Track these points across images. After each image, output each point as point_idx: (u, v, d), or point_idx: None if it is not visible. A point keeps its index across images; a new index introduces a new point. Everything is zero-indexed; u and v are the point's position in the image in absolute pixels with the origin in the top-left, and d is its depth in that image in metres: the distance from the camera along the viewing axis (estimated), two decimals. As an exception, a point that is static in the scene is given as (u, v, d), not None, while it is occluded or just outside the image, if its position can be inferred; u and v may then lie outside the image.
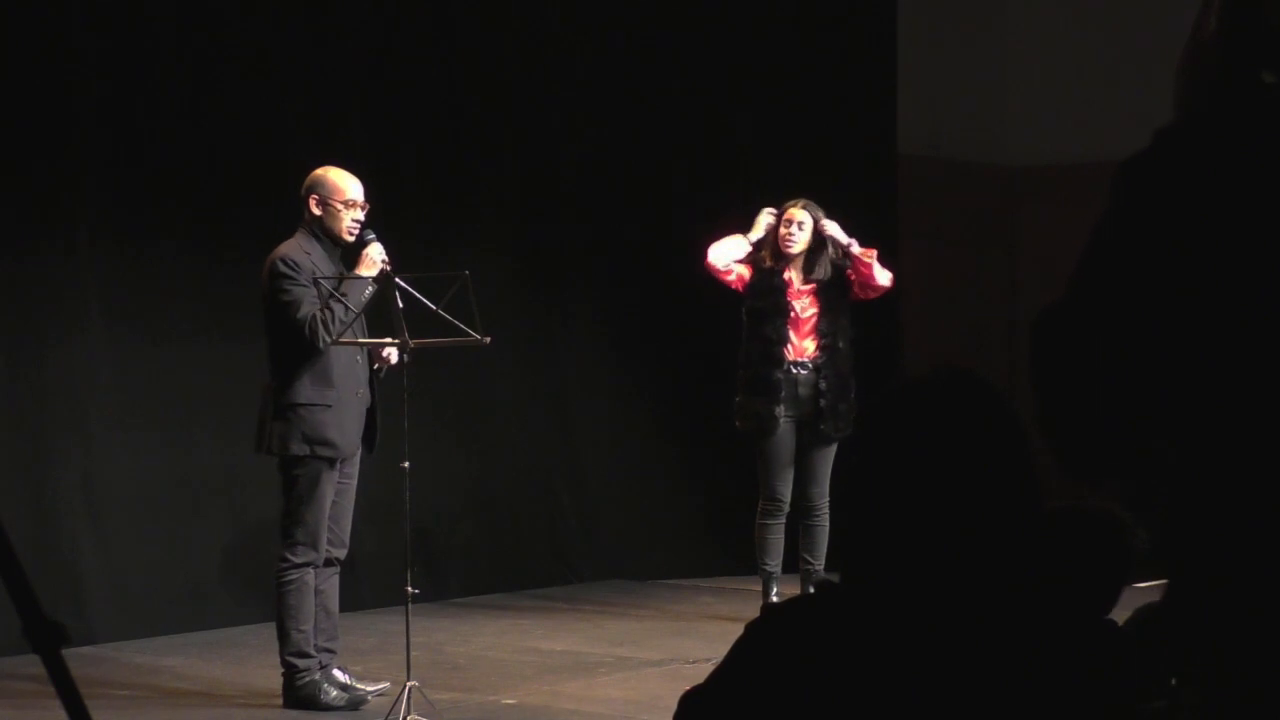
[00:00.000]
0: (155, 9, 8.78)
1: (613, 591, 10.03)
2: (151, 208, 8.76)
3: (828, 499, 8.49)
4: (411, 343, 6.77)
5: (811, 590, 2.32)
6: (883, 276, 8.40)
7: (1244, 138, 2.27)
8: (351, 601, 9.40)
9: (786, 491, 8.49)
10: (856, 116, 11.07)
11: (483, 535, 10.02)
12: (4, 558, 2.35)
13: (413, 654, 6.81)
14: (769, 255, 8.45)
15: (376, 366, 7.11)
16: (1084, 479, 2.33)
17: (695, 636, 8.54)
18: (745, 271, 8.49)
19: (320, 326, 6.81)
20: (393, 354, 6.99)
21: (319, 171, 7.10)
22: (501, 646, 8.35)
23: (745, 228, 8.54)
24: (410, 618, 6.75)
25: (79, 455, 8.48)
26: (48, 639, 2.34)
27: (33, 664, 2.41)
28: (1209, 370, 2.25)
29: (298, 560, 6.94)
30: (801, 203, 8.47)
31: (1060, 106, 12.00)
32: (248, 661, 7.98)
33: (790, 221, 8.41)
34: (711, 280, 8.63)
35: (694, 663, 7.70)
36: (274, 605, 7.03)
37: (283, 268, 6.88)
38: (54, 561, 8.17)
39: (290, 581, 6.96)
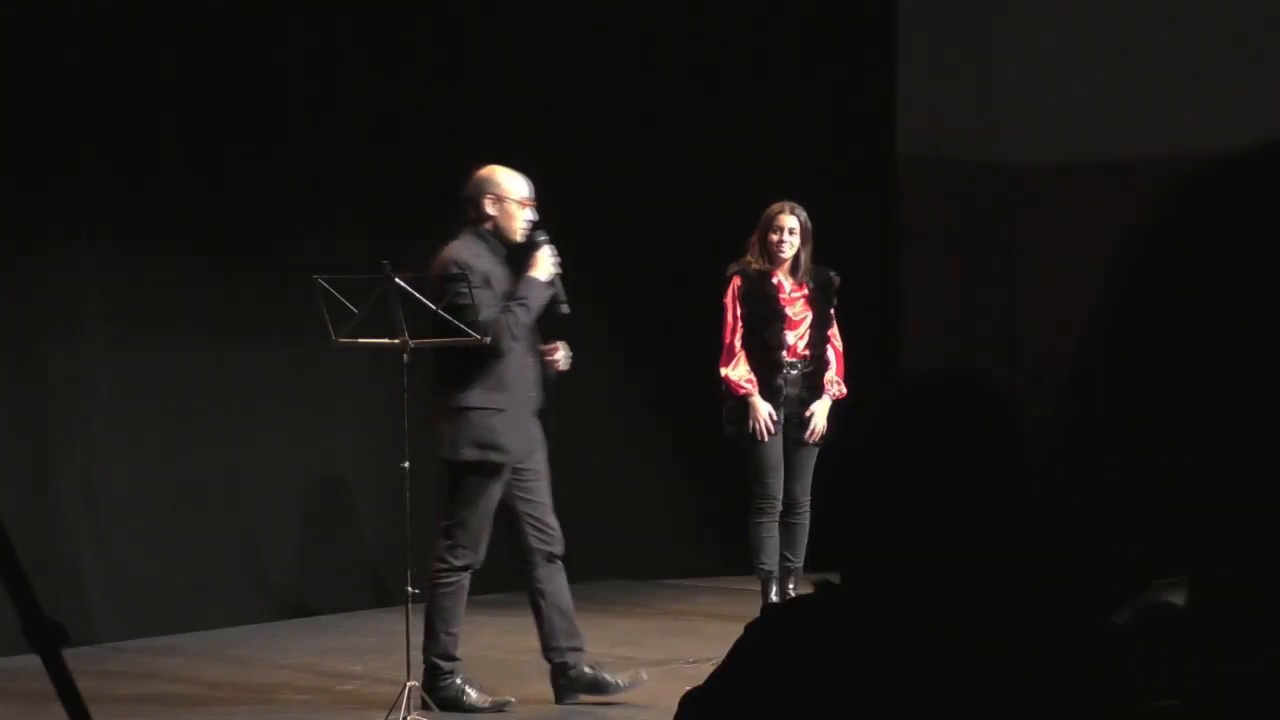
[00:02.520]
0: (156, 9, 8.78)
1: (613, 591, 10.01)
2: (152, 207, 8.75)
3: (809, 497, 8.53)
4: (412, 343, 6.76)
5: (810, 590, 2.32)
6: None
7: None
8: (351, 601, 9.41)
9: (779, 489, 8.51)
10: (856, 116, 11.06)
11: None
12: (4, 558, 2.35)
13: (413, 654, 6.81)
14: (756, 261, 8.42)
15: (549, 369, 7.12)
16: (1085, 480, 2.33)
17: (695, 636, 8.53)
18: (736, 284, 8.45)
19: (505, 330, 6.80)
20: (562, 359, 7.02)
21: (488, 171, 7.00)
22: (501, 646, 8.33)
23: (747, 228, 8.50)
24: (410, 618, 6.75)
25: (80, 455, 8.47)
26: (48, 639, 2.34)
27: (33, 664, 2.40)
28: (1211, 370, 2.24)
29: (457, 563, 6.92)
30: (789, 206, 8.42)
31: (1060, 106, 11.99)
32: (248, 661, 7.98)
33: (780, 228, 8.38)
34: (710, 281, 8.63)
35: (694, 662, 7.68)
36: (426, 603, 6.93)
37: (455, 269, 6.80)
38: (54, 561, 8.17)
39: (448, 584, 6.92)
